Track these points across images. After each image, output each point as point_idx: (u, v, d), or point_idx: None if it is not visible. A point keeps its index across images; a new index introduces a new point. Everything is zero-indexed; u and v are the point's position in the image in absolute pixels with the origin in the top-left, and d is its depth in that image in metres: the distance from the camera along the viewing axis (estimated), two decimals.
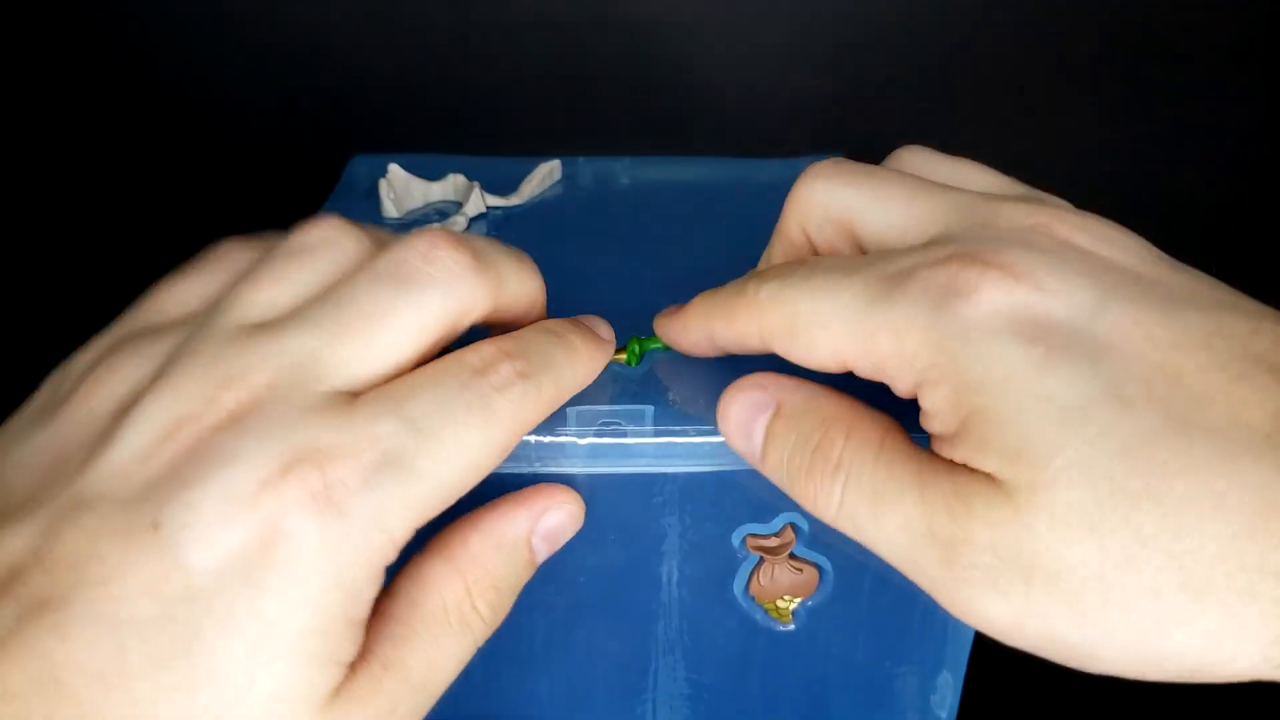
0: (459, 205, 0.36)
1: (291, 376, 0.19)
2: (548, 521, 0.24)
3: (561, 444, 0.25)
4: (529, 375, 0.22)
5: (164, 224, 0.48)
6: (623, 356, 0.27)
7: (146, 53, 0.44)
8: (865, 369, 0.20)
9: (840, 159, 0.24)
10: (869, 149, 0.45)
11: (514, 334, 0.23)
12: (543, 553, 0.24)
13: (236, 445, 0.18)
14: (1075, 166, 0.49)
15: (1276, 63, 0.46)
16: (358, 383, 0.20)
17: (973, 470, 0.18)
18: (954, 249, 0.20)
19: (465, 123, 0.46)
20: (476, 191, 0.36)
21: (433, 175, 0.38)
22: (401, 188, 0.37)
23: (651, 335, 0.28)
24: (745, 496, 0.26)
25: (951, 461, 0.19)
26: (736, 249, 0.35)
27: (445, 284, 0.21)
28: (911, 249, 0.21)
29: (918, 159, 0.24)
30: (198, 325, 0.21)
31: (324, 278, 0.22)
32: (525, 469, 0.25)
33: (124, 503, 0.18)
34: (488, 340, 0.22)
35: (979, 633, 0.29)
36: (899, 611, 0.28)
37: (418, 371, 0.21)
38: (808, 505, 0.21)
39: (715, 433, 0.25)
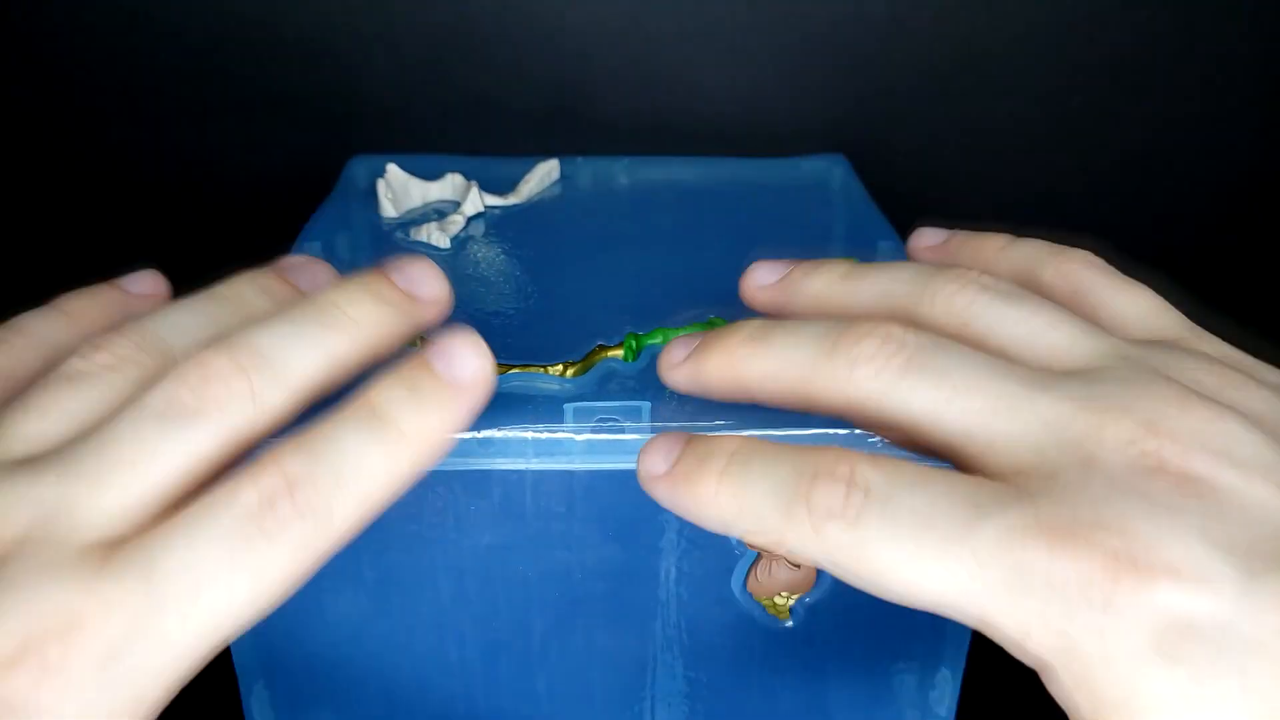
0: (457, 205, 0.36)
1: (45, 528, 0.18)
2: None
3: (559, 440, 0.25)
4: (316, 508, 0.18)
5: (164, 225, 0.48)
6: (619, 352, 0.27)
7: (146, 53, 0.44)
8: (970, 616, 0.18)
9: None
10: (870, 150, 0.45)
11: (311, 436, 0.19)
12: None
13: None
14: (1077, 167, 0.49)
15: (1276, 63, 0.46)
16: (118, 533, 0.18)
17: None
18: (1085, 528, 0.17)
19: (465, 123, 0.46)
20: (474, 191, 0.36)
21: (431, 175, 0.38)
22: (400, 188, 0.37)
23: (648, 331, 0.28)
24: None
25: None
26: (735, 248, 0.35)
27: (219, 413, 0.19)
28: (1008, 505, 0.17)
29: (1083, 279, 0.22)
30: None
31: (97, 408, 0.20)
32: (522, 465, 0.25)
33: None
34: (272, 453, 0.19)
35: (978, 630, 0.29)
36: (898, 608, 0.28)
37: (181, 514, 0.18)
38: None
39: (712, 429, 0.25)
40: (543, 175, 0.39)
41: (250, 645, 0.28)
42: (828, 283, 0.22)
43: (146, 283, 0.25)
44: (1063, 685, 0.17)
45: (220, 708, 0.31)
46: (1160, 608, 0.16)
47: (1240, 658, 0.16)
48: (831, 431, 0.25)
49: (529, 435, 0.25)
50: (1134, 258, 0.55)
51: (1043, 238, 0.24)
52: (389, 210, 0.36)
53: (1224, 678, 0.16)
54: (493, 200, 0.37)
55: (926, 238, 0.26)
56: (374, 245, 0.34)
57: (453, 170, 0.38)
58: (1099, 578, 0.16)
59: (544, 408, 0.25)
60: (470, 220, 0.36)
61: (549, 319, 0.29)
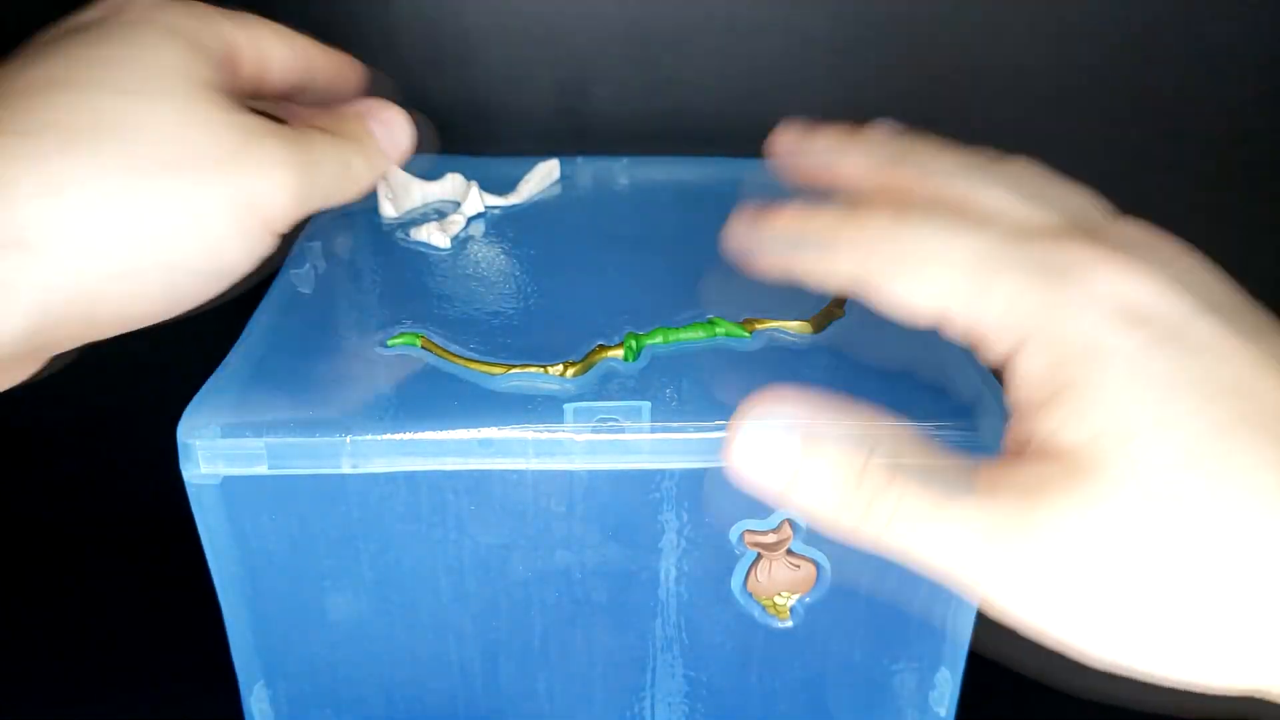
0: (457, 205, 0.36)
1: None
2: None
3: (559, 440, 0.25)
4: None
5: None
6: (619, 352, 0.27)
7: None
8: (959, 324, 0.21)
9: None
10: None
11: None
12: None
13: None
14: (1077, 168, 0.49)
15: (1277, 62, 0.46)
16: None
17: (1043, 458, 0.19)
18: (1075, 232, 0.21)
19: (465, 123, 0.46)
20: (474, 191, 0.36)
21: (431, 175, 0.38)
22: (400, 187, 0.37)
23: (648, 331, 0.28)
24: (743, 493, 0.26)
25: (1015, 455, 0.20)
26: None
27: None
28: (1033, 222, 0.22)
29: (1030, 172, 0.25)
30: None
31: None
32: (523, 465, 0.25)
33: None
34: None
35: (978, 630, 0.29)
36: (897, 608, 0.28)
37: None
38: (846, 530, 0.20)
39: (712, 428, 0.25)
40: (543, 175, 0.39)
41: (251, 645, 0.28)
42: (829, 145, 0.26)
43: None
44: (1031, 350, 0.20)
45: (221, 708, 0.31)
46: (1132, 292, 0.19)
47: (1188, 345, 0.19)
48: None
49: (529, 435, 0.25)
50: None
51: None
52: (389, 210, 0.36)
53: (1175, 352, 0.19)
54: (493, 200, 0.37)
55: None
56: (374, 245, 0.34)
57: (453, 169, 0.38)
58: (1087, 258, 0.20)
59: (544, 408, 0.25)
60: (470, 220, 0.36)
61: (549, 319, 0.29)
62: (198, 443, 0.25)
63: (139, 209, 0.23)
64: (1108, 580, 0.18)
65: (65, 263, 0.23)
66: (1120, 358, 0.19)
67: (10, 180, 0.22)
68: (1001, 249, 0.20)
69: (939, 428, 0.25)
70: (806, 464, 0.21)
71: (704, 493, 0.26)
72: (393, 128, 0.31)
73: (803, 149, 0.26)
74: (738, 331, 0.28)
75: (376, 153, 0.30)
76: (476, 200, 0.36)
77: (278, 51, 0.28)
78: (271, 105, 0.29)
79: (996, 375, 0.22)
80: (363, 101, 0.31)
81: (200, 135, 0.24)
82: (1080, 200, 0.24)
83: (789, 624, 0.29)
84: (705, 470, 0.26)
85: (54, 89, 0.24)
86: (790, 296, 0.30)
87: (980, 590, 0.19)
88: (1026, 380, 0.20)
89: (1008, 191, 0.23)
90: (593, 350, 0.27)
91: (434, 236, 0.34)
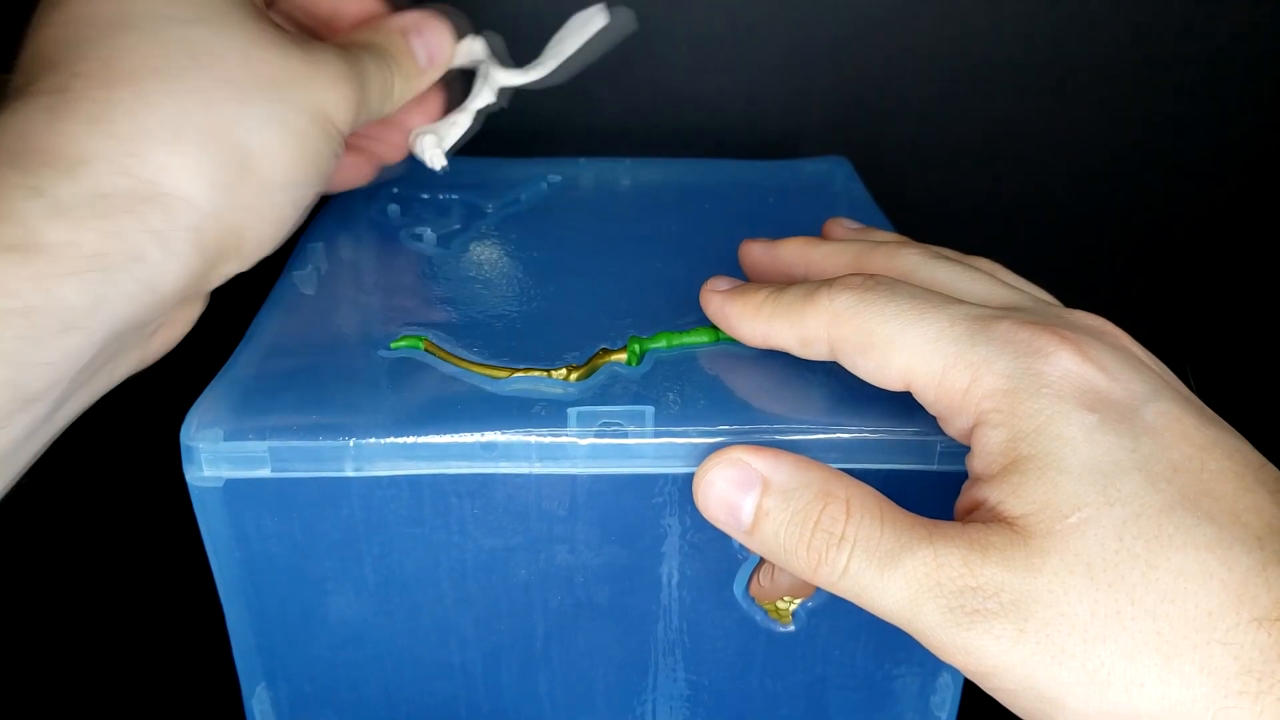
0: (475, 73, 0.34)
1: None
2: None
3: (562, 444, 0.25)
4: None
5: None
6: (623, 356, 0.27)
7: None
8: (927, 398, 0.22)
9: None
10: (870, 151, 0.45)
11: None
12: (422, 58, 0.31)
13: None
14: (1076, 168, 0.49)
15: (1276, 62, 0.46)
16: None
17: (990, 523, 0.20)
18: (1035, 318, 0.22)
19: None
20: (492, 69, 0.33)
21: (433, 175, 0.38)
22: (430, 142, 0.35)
23: (652, 335, 0.28)
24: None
25: (963, 518, 0.21)
26: (737, 250, 0.35)
27: None
28: (994, 306, 0.23)
29: (997, 269, 0.26)
30: None
31: None
32: (526, 469, 0.25)
33: None
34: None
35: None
36: None
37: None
38: (804, 574, 0.22)
39: (716, 434, 0.25)
40: (581, 26, 0.34)
41: (252, 647, 0.28)
42: (798, 246, 0.28)
43: None
44: (990, 426, 0.20)
45: (222, 710, 0.31)
46: (1088, 376, 0.20)
47: (1137, 428, 0.20)
48: (820, 437, 0.25)
49: (532, 439, 0.25)
50: (1131, 256, 0.55)
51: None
52: (439, 161, 0.34)
53: (1122, 434, 0.20)
54: (509, 78, 0.34)
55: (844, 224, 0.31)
56: (378, 247, 0.34)
57: (455, 169, 0.38)
58: (1051, 343, 0.21)
59: (547, 412, 0.25)
60: (472, 211, 0.36)
61: (552, 323, 0.29)
62: (201, 445, 0.25)
63: (246, 133, 0.24)
64: (1042, 646, 0.18)
65: (203, 202, 0.23)
66: (1073, 437, 0.20)
67: (133, 134, 0.22)
68: (965, 329, 0.21)
69: (931, 436, 0.25)
70: (761, 520, 0.22)
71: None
72: (432, 43, 0.31)
73: (773, 255, 0.28)
74: None
75: (415, 72, 0.31)
76: (491, 86, 0.33)
77: None
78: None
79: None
80: (405, 15, 0.31)
81: (272, 56, 0.25)
82: (1038, 290, 0.25)
83: (791, 628, 0.29)
84: None
85: (122, 30, 0.23)
86: None
87: (925, 643, 0.20)
88: (984, 452, 0.21)
89: (971, 278, 0.24)
90: (596, 354, 0.27)
91: (429, 153, 0.33)
